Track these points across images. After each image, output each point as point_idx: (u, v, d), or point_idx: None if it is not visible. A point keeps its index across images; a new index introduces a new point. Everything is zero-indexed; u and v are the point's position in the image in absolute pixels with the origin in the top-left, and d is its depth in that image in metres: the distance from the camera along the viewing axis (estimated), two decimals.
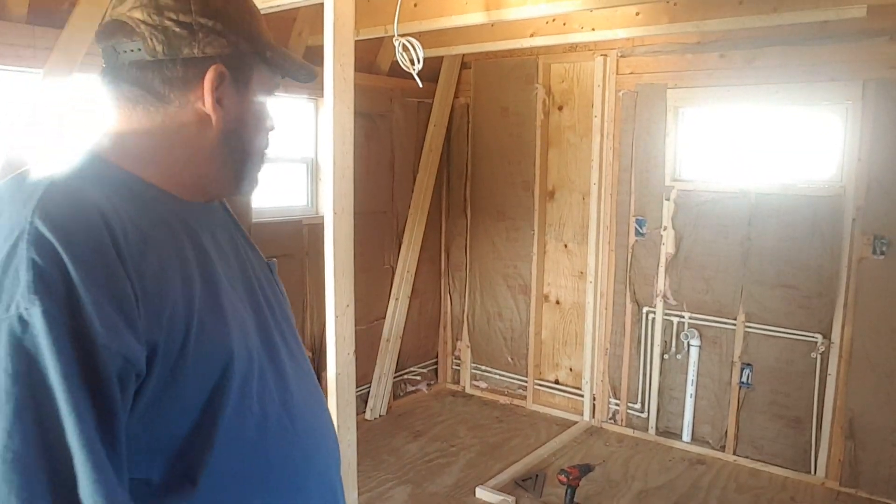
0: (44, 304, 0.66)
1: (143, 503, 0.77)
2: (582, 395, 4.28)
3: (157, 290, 0.75)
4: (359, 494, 3.05)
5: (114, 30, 0.83)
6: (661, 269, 3.89)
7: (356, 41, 2.38)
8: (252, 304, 0.92)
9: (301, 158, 3.95)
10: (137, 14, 0.82)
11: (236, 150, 0.90)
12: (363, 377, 4.22)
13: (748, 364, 3.66)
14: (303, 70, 0.95)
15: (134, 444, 0.74)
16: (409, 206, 4.49)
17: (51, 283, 0.67)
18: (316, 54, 3.62)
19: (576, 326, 4.32)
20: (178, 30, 0.82)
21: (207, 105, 0.85)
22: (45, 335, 0.66)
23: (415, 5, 3.05)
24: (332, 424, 1.06)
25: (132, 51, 0.82)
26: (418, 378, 4.75)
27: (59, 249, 0.68)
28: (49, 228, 0.69)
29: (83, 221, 0.72)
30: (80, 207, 0.73)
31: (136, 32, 0.82)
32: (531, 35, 3.57)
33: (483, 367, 4.71)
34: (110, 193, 0.78)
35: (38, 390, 0.66)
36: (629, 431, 4.09)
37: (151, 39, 0.82)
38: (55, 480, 0.66)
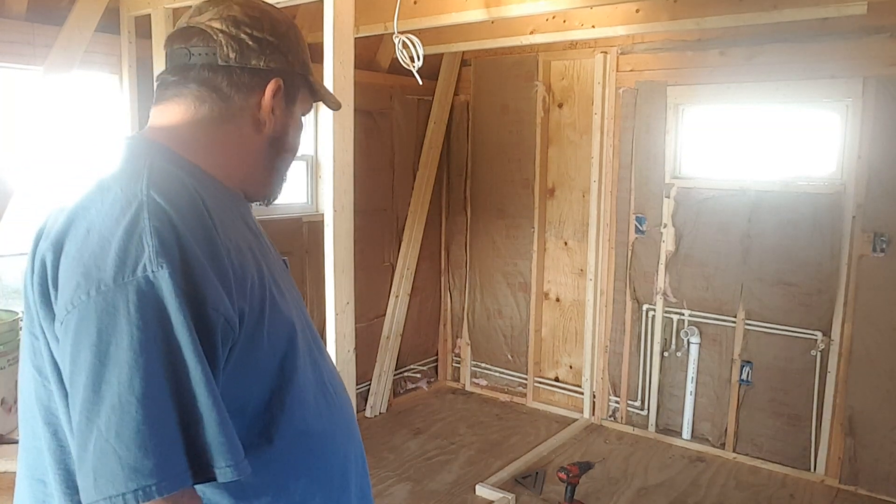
0: (170, 267, 0.75)
1: None
2: (582, 393, 4.28)
3: (240, 264, 0.85)
4: None
5: (191, 35, 0.95)
6: (661, 267, 3.89)
7: (356, 38, 2.38)
8: (293, 287, 1.03)
9: (301, 156, 3.95)
10: (217, 24, 0.94)
11: (276, 158, 1.02)
12: (363, 375, 4.23)
13: (748, 361, 3.66)
14: (332, 98, 1.10)
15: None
16: (409, 204, 4.49)
17: (170, 248, 0.76)
18: (316, 52, 3.62)
19: (576, 324, 4.32)
20: (250, 43, 0.95)
21: (265, 110, 0.97)
22: (171, 294, 0.75)
23: (415, 2, 3.05)
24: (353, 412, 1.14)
25: (207, 54, 0.94)
26: (418, 375, 4.75)
27: (175, 220, 0.78)
28: (165, 201, 0.79)
29: (188, 198, 0.83)
30: (182, 186, 0.84)
31: (214, 40, 0.94)
32: (531, 32, 3.57)
33: (483, 365, 4.71)
34: (190, 177, 0.89)
35: (167, 342, 0.75)
36: (629, 429, 4.09)
37: (227, 47, 0.94)
38: (184, 419, 0.75)
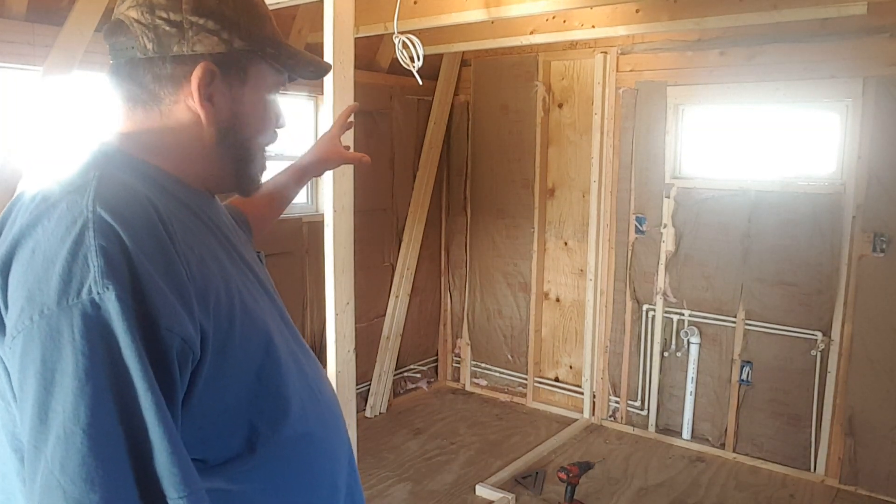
0: (116, 289, 0.70)
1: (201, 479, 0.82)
2: (582, 393, 4.28)
3: (202, 276, 0.79)
4: None
5: (114, 29, 0.87)
6: (661, 267, 3.89)
7: (356, 38, 2.38)
8: (265, 289, 0.97)
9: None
10: (132, 13, 0.85)
11: (234, 147, 0.91)
12: (363, 375, 4.23)
13: (748, 361, 3.66)
14: (310, 67, 0.95)
15: (193, 423, 0.78)
16: (409, 204, 4.49)
17: (119, 268, 0.71)
18: (316, 52, 3.62)
19: (576, 324, 4.32)
20: (167, 28, 0.84)
21: (195, 102, 0.86)
22: (119, 317, 0.69)
23: (415, 2, 3.05)
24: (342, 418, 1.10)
25: (127, 49, 0.86)
26: (418, 376, 4.75)
27: (123, 237, 0.72)
28: (111, 216, 0.73)
29: (139, 211, 0.76)
30: (133, 197, 0.78)
31: (131, 31, 0.85)
32: (531, 32, 3.57)
33: (483, 365, 4.71)
34: (145, 184, 0.83)
35: (115, 368, 0.69)
36: (629, 429, 4.09)
37: (143, 37, 0.84)
38: (133, 449, 0.70)
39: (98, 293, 0.69)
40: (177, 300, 0.74)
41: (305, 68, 0.95)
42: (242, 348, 0.83)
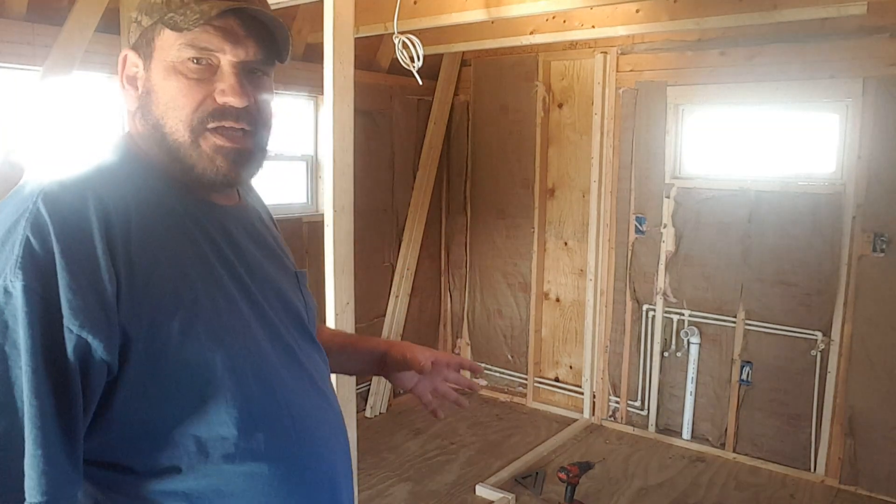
0: (25, 279, 0.70)
1: (128, 487, 0.80)
2: (582, 393, 4.28)
3: (144, 282, 0.77)
4: (359, 492, 3.06)
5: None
6: (661, 267, 3.89)
7: (356, 39, 2.38)
8: (255, 305, 0.90)
9: (301, 156, 3.95)
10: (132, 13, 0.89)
11: (151, 128, 0.86)
12: None
13: (748, 361, 3.66)
14: (199, 6, 0.82)
15: (116, 427, 0.77)
16: (409, 204, 4.49)
17: (37, 260, 0.71)
18: (316, 52, 3.62)
19: (576, 324, 4.32)
20: (132, 23, 0.87)
21: (123, 94, 0.88)
22: (21, 309, 0.69)
23: (415, 2, 3.05)
24: (342, 442, 1.00)
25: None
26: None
27: (51, 231, 0.72)
28: (48, 211, 0.73)
29: (79, 209, 0.75)
30: (81, 195, 0.76)
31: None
32: (531, 32, 3.57)
33: (483, 365, 4.71)
34: (130, 180, 0.83)
35: (6, 360, 0.69)
36: (629, 429, 4.09)
37: (127, 36, 0.89)
38: (3, 447, 0.69)
39: (10, 281, 0.70)
40: (90, 302, 0.72)
41: (194, 9, 0.82)
42: (183, 365, 0.78)
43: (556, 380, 4.44)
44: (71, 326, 0.71)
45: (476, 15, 2.94)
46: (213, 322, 0.82)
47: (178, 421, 0.80)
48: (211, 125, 0.84)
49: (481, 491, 3.34)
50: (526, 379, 4.51)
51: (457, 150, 4.65)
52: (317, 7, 2.44)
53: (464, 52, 4.45)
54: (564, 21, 3.44)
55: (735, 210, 3.62)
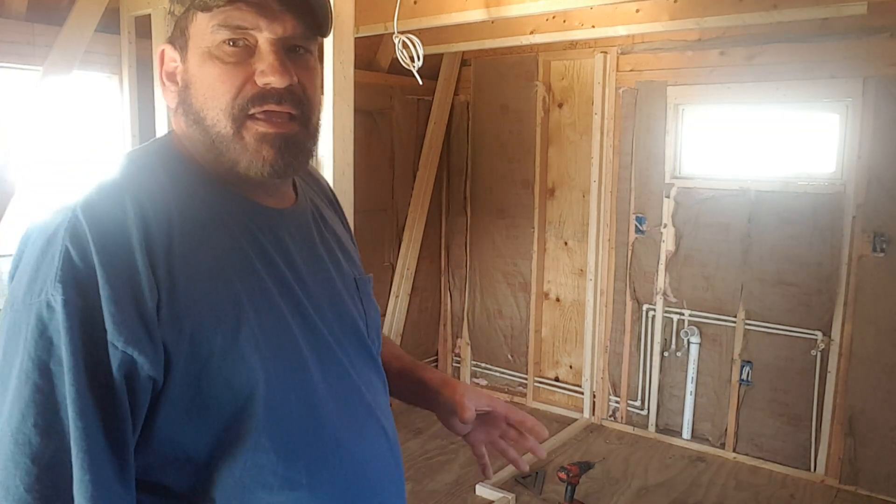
0: (66, 294, 0.67)
1: None
2: (582, 393, 4.28)
3: (185, 299, 0.72)
4: None
5: None
6: (661, 267, 3.89)
7: (356, 38, 2.38)
8: (307, 324, 0.84)
9: None
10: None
11: (193, 122, 0.80)
12: None
13: (748, 361, 3.66)
14: None
15: (159, 449, 0.74)
16: (409, 204, 4.49)
17: (77, 273, 0.67)
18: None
19: (576, 324, 4.32)
20: (167, 18, 0.83)
21: (162, 90, 0.84)
22: (63, 324, 0.66)
23: (415, 2, 3.05)
24: (395, 479, 0.95)
25: None
26: None
27: (91, 243, 0.68)
28: (87, 220, 0.70)
29: (119, 218, 0.71)
30: (120, 203, 0.73)
31: None
32: (531, 32, 3.57)
33: (483, 365, 4.71)
34: (171, 183, 0.78)
35: (51, 378, 0.67)
36: (629, 429, 4.09)
37: (165, 31, 0.84)
38: (50, 467, 0.66)
39: (52, 295, 0.67)
40: (132, 316, 0.68)
41: None
42: (224, 384, 0.74)
43: (556, 379, 4.44)
44: (115, 342, 0.68)
45: (476, 15, 2.93)
46: (258, 340, 0.76)
47: (217, 444, 0.75)
48: (252, 111, 0.77)
49: (481, 491, 3.34)
50: (526, 379, 4.51)
51: (457, 149, 4.65)
52: None
53: (464, 52, 4.45)
54: (564, 21, 3.44)
55: (735, 210, 3.62)
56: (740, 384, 3.69)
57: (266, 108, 0.77)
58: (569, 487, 3.09)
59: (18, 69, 2.64)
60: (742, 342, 3.67)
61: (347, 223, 1.06)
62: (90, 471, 0.66)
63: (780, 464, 3.60)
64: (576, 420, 4.23)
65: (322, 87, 0.87)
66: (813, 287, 3.45)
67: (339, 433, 0.83)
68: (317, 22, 0.81)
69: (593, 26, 3.36)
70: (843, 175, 3.34)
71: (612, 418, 4.19)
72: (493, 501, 3.27)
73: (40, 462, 0.66)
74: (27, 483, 0.66)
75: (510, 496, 3.26)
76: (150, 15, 2.74)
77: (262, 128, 0.78)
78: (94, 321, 0.67)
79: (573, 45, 4.06)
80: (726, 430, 3.77)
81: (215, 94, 0.78)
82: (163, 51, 0.82)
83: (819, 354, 3.46)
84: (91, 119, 2.97)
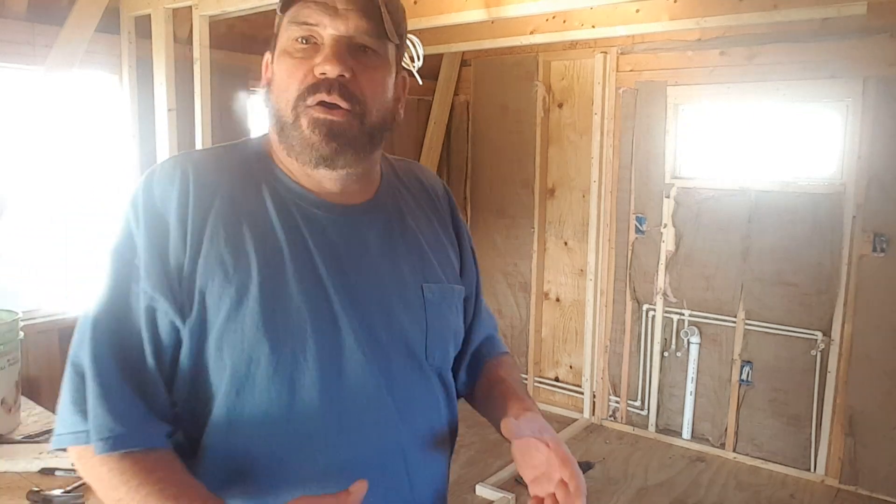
0: (118, 248, 0.85)
1: (192, 448, 0.85)
2: (582, 393, 4.28)
3: (203, 261, 0.82)
4: None
5: None
6: (662, 267, 3.89)
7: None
8: (329, 317, 0.86)
9: None
10: None
11: (272, 117, 0.88)
12: None
13: (748, 361, 3.66)
14: None
15: (183, 388, 0.84)
16: None
17: (130, 233, 0.85)
18: None
19: (576, 324, 4.32)
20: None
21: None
22: (109, 267, 0.84)
23: (415, 2, 3.05)
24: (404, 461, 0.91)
25: None
26: None
27: (140, 208, 0.84)
28: (143, 190, 0.86)
29: (166, 187, 0.85)
30: (173, 174, 0.86)
31: None
32: (531, 32, 3.57)
33: None
34: (235, 167, 0.90)
35: (119, 274, 0.84)
36: (629, 429, 4.09)
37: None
38: (120, 344, 0.81)
39: (113, 244, 0.86)
40: (159, 268, 0.82)
41: None
42: (222, 347, 0.82)
43: (556, 379, 4.44)
44: (145, 288, 0.81)
45: (476, 15, 2.93)
46: (264, 318, 0.81)
47: (214, 402, 0.83)
48: (309, 100, 0.83)
49: (481, 491, 3.34)
50: (526, 379, 4.51)
51: (456, 150, 4.65)
52: None
53: (464, 52, 4.45)
54: (564, 21, 3.44)
55: (735, 210, 3.62)
56: (740, 384, 3.69)
57: (318, 97, 0.83)
58: None
59: (19, 69, 2.64)
60: (742, 342, 3.67)
61: (460, 231, 1.06)
62: (96, 378, 0.80)
63: (780, 464, 3.61)
64: (576, 420, 4.23)
65: (392, 88, 0.92)
66: (813, 287, 3.45)
67: (317, 428, 0.84)
68: (387, 24, 0.85)
69: (593, 26, 3.36)
70: (843, 175, 3.34)
71: (612, 418, 4.19)
72: (493, 501, 3.27)
73: (103, 324, 0.83)
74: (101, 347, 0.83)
75: (510, 496, 3.26)
76: (150, 15, 2.74)
77: (315, 113, 0.84)
78: (133, 271, 0.82)
79: (573, 45, 4.06)
80: (726, 430, 3.77)
81: (285, 87, 0.85)
82: (265, 57, 0.91)
83: (819, 354, 3.46)
84: (91, 119, 2.97)
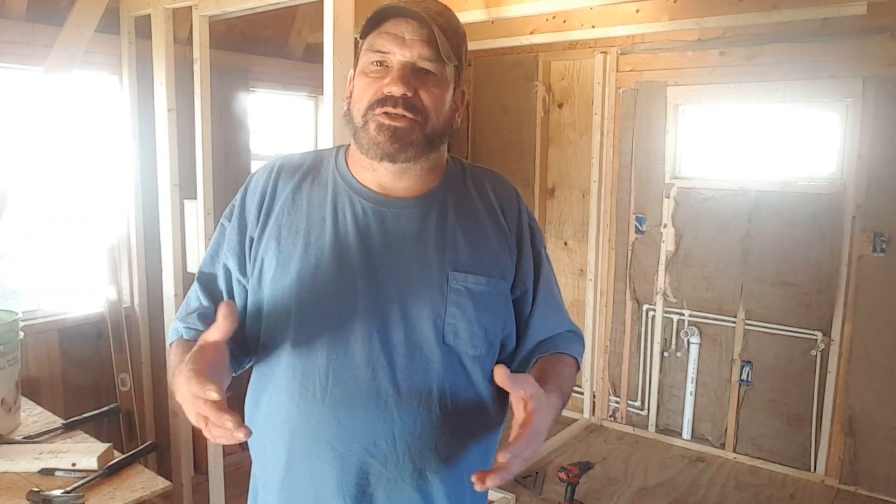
0: (223, 221, 1.16)
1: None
2: (582, 393, 4.28)
3: (266, 236, 1.08)
4: None
5: None
6: (661, 267, 3.89)
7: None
8: (349, 291, 1.04)
9: None
10: None
11: (350, 123, 1.07)
12: None
13: (748, 362, 3.66)
14: (375, 15, 1.04)
15: (251, 324, 1.10)
16: None
17: (233, 210, 1.15)
18: (315, 52, 3.62)
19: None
20: None
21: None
22: (214, 237, 1.17)
23: None
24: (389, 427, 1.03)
25: None
26: None
27: (244, 191, 1.15)
28: (250, 178, 1.16)
29: (262, 178, 1.14)
30: (271, 168, 1.14)
31: None
32: (531, 32, 3.57)
33: None
34: (318, 165, 1.14)
35: (218, 237, 1.16)
36: (629, 429, 4.09)
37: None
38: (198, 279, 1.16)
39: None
40: (237, 238, 1.11)
41: (373, 18, 1.04)
42: (266, 300, 1.07)
43: None
44: (225, 251, 1.12)
45: (476, 15, 2.93)
46: (299, 284, 1.04)
47: (261, 339, 1.09)
48: (377, 110, 1.01)
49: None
50: None
51: (456, 149, 4.65)
52: (316, 7, 2.44)
53: None
54: (564, 21, 3.44)
55: (735, 210, 3.63)
56: (740, 384, 3.69)
57: (385, 108, 1.01)
58: (569, 488, 3.09)
59: (19, 69, 2.64)
60: (742, 342, 3.67)
61: (522, 236, 1.15)
62: (199, 283, 1.15)
63: (780, 464, 3.61)
64: (576, 420, 4.23)
65: (450, 101, 1.08)
66: (813, 287, 3.45)
67: (320, 371, 1.03)
68: (447, 54, 1.01)
69: (593, 26, 3.36)
70: (842, 175, 3.34)
71: (612, 418, 4.19)
72: (492, 501, 3.27)
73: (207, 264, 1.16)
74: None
75: (510, 496, 3.26)
76: (149, 15, 2.74)
77: (381, 119, 1.02)
78: (230, 238, 1.12)
79: (573, 45, 4.06)
80: (726, 430, 3.77)
81: (360, 99, 1.04)
82: (349, 75, 1.10)
83: (819, 354, 3.46)
84: (91, 119, 2.97)
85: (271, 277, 1.05)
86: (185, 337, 1.09)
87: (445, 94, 1.05)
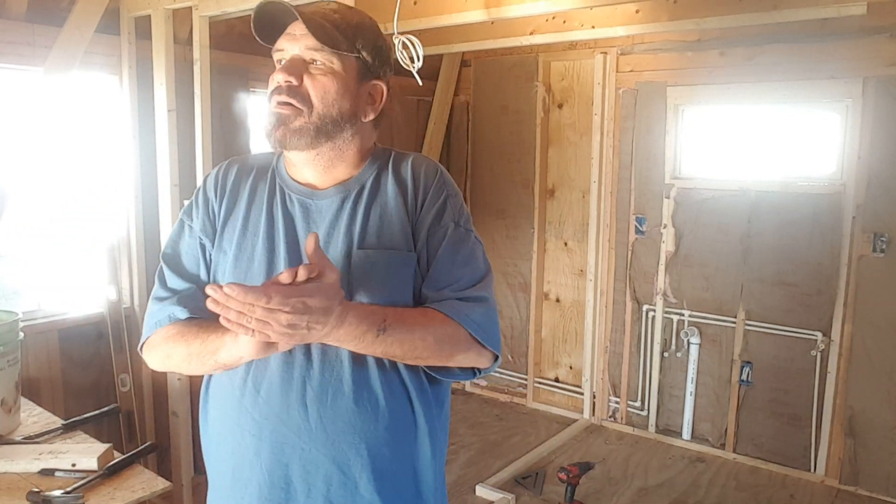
0: (184, 214, 1.26)
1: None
2: (582, 393, 4.28)
3: (221, 222, 1.21)
4: None
5: None
6: (661, 267, 3.89)
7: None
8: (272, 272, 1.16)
9: None
10: None
11: None
12: None
13: (748, 362, 3.66)
14: (254, 19, 1.11)
15: None
16: None
17: (194, 203, 1.26)
18: None
19: (576, 324, 4.32)
20: None
21: None
22: (178, 219, 1.27)
23: (414, 3, 3.05)
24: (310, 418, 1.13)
25: None
26: None
27: (202, 186, 1.27)
28: (209, 174, 1.28)
29: (216, 173, 1.26)
30: (227, 166, 1.27)
31: None
32: (531, 33, 3.57)
33: None
34: (265, 160, 1.27)
35: (180, 224, 1.26)
36: (629, 429, 4.09)
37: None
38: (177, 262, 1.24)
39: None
40: (203, 220, 1.23)
41: (256, 22, 1.11)
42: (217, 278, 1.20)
43: (556, 380, 4.44)
44: (199, 235, 1.22)
45: (476, 15, 2.93)
46: (234, 263, 1.17)
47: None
48: (272, 100, 1.12)
49: (481, 491, 3.34)
50: (526, 379, 4.51)
51: (457, 150, 4.65)
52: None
53: (464, 53, 4.45)
54: (564, 21, 3.44)
55: (735, 210, 3.63)
56: (740, 384, 3.69)
57: (276, 98, 1.11)
58: (569, 488, 3.09)
59: (19, 69, 2.64)
60: (742, 342, 3.67)
61: (424, 208, 1.18)
62: (166, 265, 1.24)
63: (780, 464, 3.61)
64: (576, 420, 4.23)
65: (349, 92, 1.14)
66: (813, 287, 3.45)
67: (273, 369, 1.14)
68: (330, 42, 1.09)
69: (593, 27, 3.36)
70: (842, 175, 3.34)
71: (612, 419, 4.19)
72: (492, 502, 3.27)
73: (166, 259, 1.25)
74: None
75: (510, 496, 3.26)
76: (149, 16, 2.74)
77: (272, 108, 1.12)
78: (193, 224, 1.23)
79: (573, 45, 4.06)
80: (726, 430, 3.77)
81: (273, 87, 1.13)
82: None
83: (819, 355, 3.46)
84: (91, 120, 2.97)
85: (221, 256, 1.19)
86: (180, 318, 1.15)
87: (336, 83, 1.11)
